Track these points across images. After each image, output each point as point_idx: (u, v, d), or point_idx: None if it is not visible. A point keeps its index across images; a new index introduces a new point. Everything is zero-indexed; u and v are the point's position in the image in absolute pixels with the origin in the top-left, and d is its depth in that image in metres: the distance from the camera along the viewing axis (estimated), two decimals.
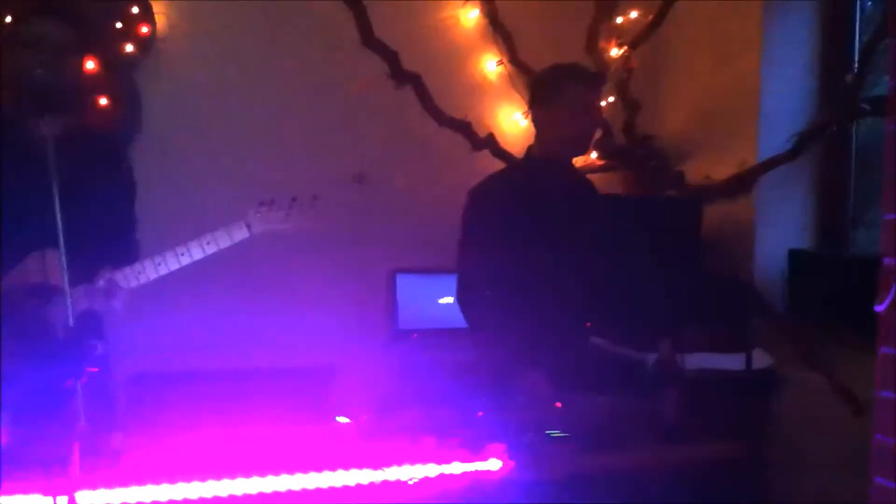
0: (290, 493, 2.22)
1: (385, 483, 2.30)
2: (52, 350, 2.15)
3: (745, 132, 3.66)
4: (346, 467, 2.29)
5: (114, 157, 2.59)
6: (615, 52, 3.88)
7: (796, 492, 3.17)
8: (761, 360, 3.35)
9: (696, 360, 3.30)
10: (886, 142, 2.17)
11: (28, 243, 2.30)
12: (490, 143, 3.79)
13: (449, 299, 3.12)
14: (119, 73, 3.43)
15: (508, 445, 2.47)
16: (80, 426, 1.91)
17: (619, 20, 3.89)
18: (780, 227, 3.65)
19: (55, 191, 1.99)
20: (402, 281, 3.83)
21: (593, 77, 3.22)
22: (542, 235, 2.97)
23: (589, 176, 3.57)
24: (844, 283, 3.24)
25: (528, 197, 2.99)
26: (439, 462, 2.37)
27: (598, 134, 3.41)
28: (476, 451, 2.43)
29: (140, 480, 2.13)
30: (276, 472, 2.23)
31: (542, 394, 2.77)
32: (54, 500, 1.90)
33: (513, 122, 3.96)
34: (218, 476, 2.19)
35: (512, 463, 2.44)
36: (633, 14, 3.89)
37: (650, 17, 3.79)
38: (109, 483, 2.11)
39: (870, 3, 3.58)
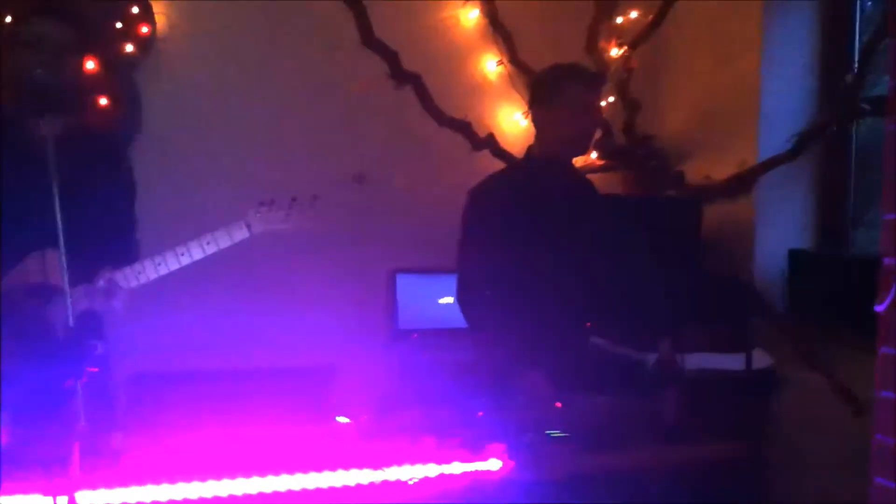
0: (289, 493, 2.22)
1: (385, 483, 2.30)
2: (52, 350, 2.15)
3: (745, 132, 3.66)
4: (347, 467, 2.29)
5: (114, 157, 2.59)
6: (615, 52, 3.88)
7: (796, 492, 3.17)
8: (761, 360, 3.35)
9: (696, 360, 3.30)
10: (886, 142, 2.17)
11: (28, 243, 2.30)
12: (490, 143, 3.79)
13: (449, 299, 3.11)
14: (119, 73, 3.42)
15: (508, 445, 2.46)
16: (79, 426, 1.91)
17: (619, 20, 3.89)
18: (780, 227, 3.65)
19: (55, 191, 1.99)
20: (402, 281, 3.83)
21: (593, 77, 3.22)
22: (542, 235, 2.97)
23: (589, 176, 3.57)
24: (844, 283, 3.24)
25: (528, 197, 2.99)
26: (439, 462, 2.37)
27: (597, 134, 3.41)
28: (476, 451, 2.43)
29: (140, 480, 2.13)
30: (276, 473, 2.23)
31: (542, 394, 2.77)
32: (54, 500, 1.90)
33: (513, 122, 3.96)
34: (218, 476, 2.19)
35: (512, 463, 2.44)
36: (633, 14, 3.88)
37: (650, 17, 3.79)
38: (109, 483, 2.10)
39: (870, 2, 3.58)
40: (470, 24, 3.92)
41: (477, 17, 3.91)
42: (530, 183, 3.02)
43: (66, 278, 1.99)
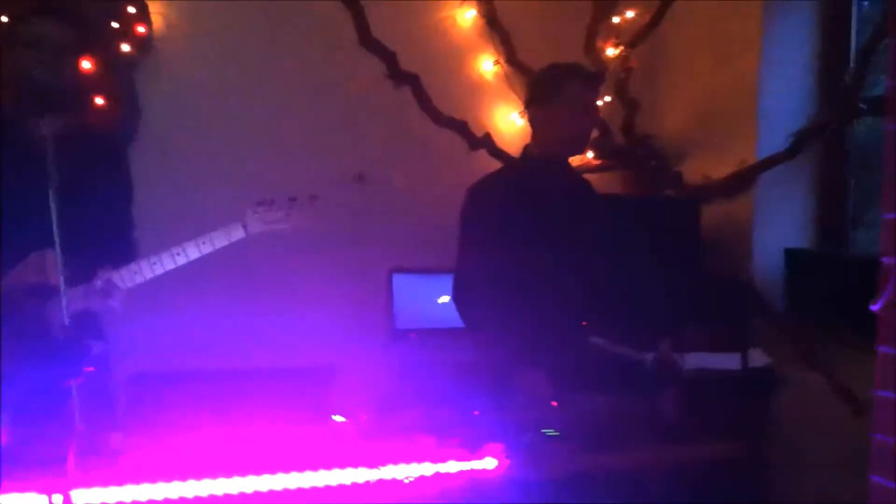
0: (286, 491, 2.23)
1: (383, 482, 2.30)
2: (51, 350, 2.15)
3: (744, 132, 3.66)
4: (344, 467, 2.29)
5: (112, 157, 2.60)
6: (612, 51, 3.88)
7: (796, 492, 3.17)
8: (759, 359, 3.35)
9: (695, 360, 3.29)
10: (886, 141, 2.17)
11: (28, 243, 2.30)
12: (487, 142, 3.79)
13: (446, 299, 3.11)
14: (117, 73, 3.42)
15: (507, 445, 2.47)
16: (76, 425, 1.91)
17: (617, 20, 3.89)
18: (778, 227, 3.65)
19: (52, 191, 1.99)
20: (399, 281, 3.83)
21: (593, 77, 3.22)
22: (539, 234, 2.96)
23: (587, 175, 3.57)
24: (842, 282, 3.24)
25: (525, 196, 2.98)
26: (439, 461, 2.37)
27: (595, 133, 3.41)
28: (475, 450, 2.43)
29: (139, 480, 2.13)
30: (273, 472, 2.23)
31: (541, 393, 2.77)
32: (50, 499, 1.90)
33: (509, 122, 3.96)
34: (217, 476, 2.19)
35: (511, 462, 2.44)
36: (630, 14, 3.88)
37: (648, 17, 3.79)
38: (108, 482, 2.11)
39: (866, 2, 3.58)
40: (467, 24, 3.92)
41: (474, 17, 3.91)
42: (527, 182, 3.02)
43: (62, 278, 1.99)
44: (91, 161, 2.45)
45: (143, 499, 2.12)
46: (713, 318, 3.54)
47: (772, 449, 3.22)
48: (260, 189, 2.56)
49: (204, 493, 2.16)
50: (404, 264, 3.81)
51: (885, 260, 2.13)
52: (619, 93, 3.90)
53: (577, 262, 3.01)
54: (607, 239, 3.08)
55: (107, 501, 2.10)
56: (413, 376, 3.53)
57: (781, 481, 3.22)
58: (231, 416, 2.66)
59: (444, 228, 3.08)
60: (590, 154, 3.85)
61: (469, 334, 3.07)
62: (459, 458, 2.40)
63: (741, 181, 3.63)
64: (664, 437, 2.80)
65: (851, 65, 3.47)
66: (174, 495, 2.14)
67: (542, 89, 3.07)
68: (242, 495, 2.19)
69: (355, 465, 2.30)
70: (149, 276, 2.39)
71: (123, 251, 2.47)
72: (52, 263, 2.16)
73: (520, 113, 3.81)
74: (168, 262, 2.40)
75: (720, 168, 3.69)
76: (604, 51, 3.86)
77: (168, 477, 2.15)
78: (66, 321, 1.98)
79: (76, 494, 1.91)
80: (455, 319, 3.02)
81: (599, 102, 3.28)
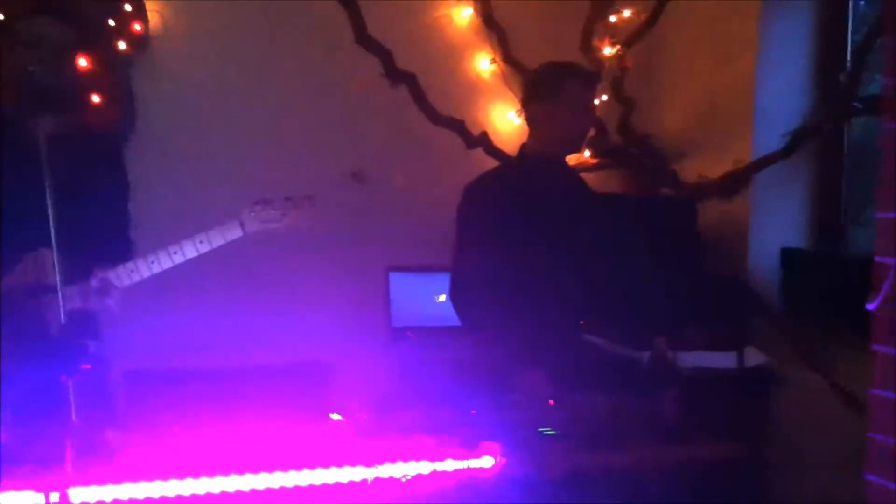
0: (283, 490, 2.23)
1: (380, 481, 2.31)
2: (49, 349, 2.15)
3: (741, 131, 3.65)
4: (342, 465, 2.29)
5: (109, 156, 2.60)
6: (608, 50, 3.88)
7: (796, 492, 3.16)
8: (755, 357, 3.35)
9: (692, 359, 3.29)
10: (882, 140, 2.17)
11: (28, 243, 2.31)
12: (483, 141, 3.78)
13: (442, 297, 3.11)
14: (115, 72, 3.42)
15: (506, 444, 2.47)
16: (73, 424, 1.92)
17: (613, 19, 3.89)
18: (775, 226, 3.65)
19: (49, 190, 1.99)
20: (395, 279, 3.83)
21: (591, 76, 3.23)
22: (536, 233, 2.96)
23: (583, 174, 3.57)
24: (838, 281, 3.24)
25: (522, 195, 2.99)
26: (437, 460, 2.38)
27: (591, 132, 3.41)
28: (473, 449, 2.44)
29: (136, 478, 2.14)
30: (271, 470, 2.23)
31: (539, 392, 2.77)
32: (46, 496, 1.90)
33: (506, 121, 3.96)
34: (215, 474, 2.19)
35: (508, 461, 2.44)
36: (627, 13, 3.88)
37: (644, 16, 3.79)
38: (105, 480, 2.11)
39: (863, 2, 3.58)
40: (463, 23, 3.92)
41: (470, 16, 3.91)
42: (525, 181, 3.02)
43: (57, 277, 1.99)
44: (88, 160, 2.46)
45: (141, 497, 2.12)
46: (711, 318, 3.54)
47: (771, 449, 3.22)
48: (259, 188, 2.56)
49: (201, 492, 2.16)
50: (400, 262, 3.82)
51: (880, 259, 2.14)
52: (616, 92, 3.90)
53: (573, 261, 3.01)
54: (604, 238, 3.08)
55: (104, 500, 2.10)
56: (411, 375, 3.54)
57: (781, 481, 3.21)
58: (228, 415, 2.67)
59: (442, 227, 3.09)
60: (586, 153, 3.86)
61: (466, 332, 3.07)
62: (457, 457, 2.40)
63: (737, 180, 3.63)
64: (663, 437, 2.79)
65: (848, 64, 3.48)
66: (171, 494, 2.14)
67: (541, 88, 3.07)
68: (240, 494, 2.19)
69: (353, 464, 2.30)
70: (146, 274, 2.40)
71: (120, 250, 2.48)
72: (49, 262, 2.16)
73: (516, 111, 3.81)
74: (165, 260, 2.41)
75: (717, 167, 3.69)
76: (600, 50, 3.87)
77: (165, 475, 2.16)
78: (63, 320, 1.98)
79: (73, 492, 1.92)
80: (452, 317, 3.02)
81: (596, 101, 3.28)
